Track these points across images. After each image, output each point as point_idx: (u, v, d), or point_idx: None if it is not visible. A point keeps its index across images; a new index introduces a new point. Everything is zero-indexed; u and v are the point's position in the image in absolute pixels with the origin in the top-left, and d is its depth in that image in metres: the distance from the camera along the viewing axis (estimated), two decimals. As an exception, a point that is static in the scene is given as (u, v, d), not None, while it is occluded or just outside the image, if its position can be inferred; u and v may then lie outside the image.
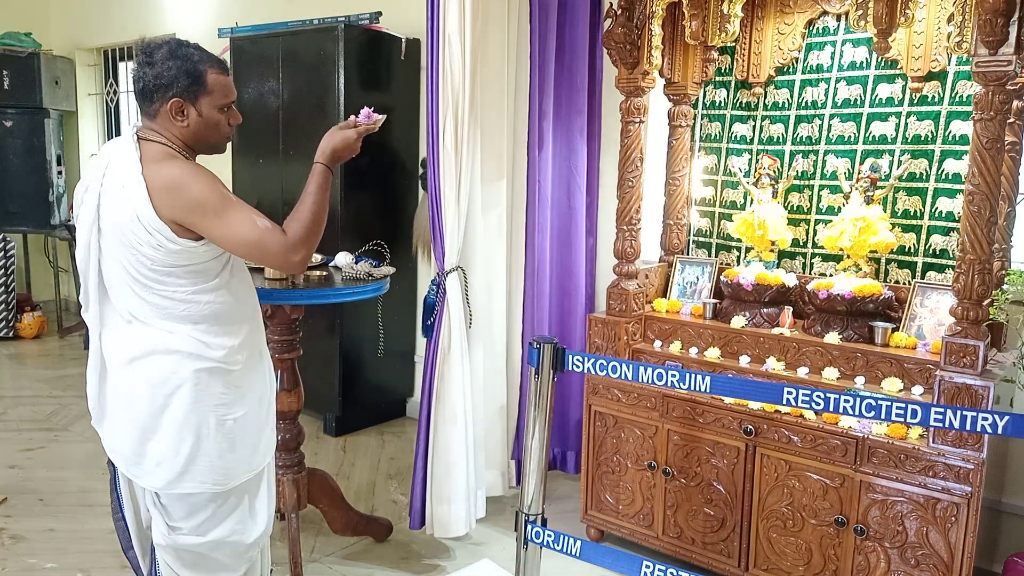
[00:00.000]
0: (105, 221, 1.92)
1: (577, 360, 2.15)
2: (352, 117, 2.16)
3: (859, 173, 2.82)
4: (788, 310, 2.90)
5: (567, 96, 3.51)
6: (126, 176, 1.88)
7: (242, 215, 1.90)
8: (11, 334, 6.12)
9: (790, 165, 3.08)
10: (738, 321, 2.92)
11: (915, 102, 2.84)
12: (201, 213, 1.87)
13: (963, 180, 2.62)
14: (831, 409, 1.85)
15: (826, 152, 3.03)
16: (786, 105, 3.13)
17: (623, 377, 2.10)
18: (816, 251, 3.08)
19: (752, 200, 3.08)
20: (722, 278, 3.06)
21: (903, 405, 1.77)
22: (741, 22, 2.81)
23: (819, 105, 3.04)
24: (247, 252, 1.95)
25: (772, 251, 3.06)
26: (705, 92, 3.33)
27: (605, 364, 2.14)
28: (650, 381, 2.04)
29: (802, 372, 2.73)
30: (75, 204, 2.01)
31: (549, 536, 2.18)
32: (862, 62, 2.94)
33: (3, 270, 6.05)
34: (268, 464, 2.18)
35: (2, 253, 6.04)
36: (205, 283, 1.96)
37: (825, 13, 2.99)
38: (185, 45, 1.96)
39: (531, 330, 3.43)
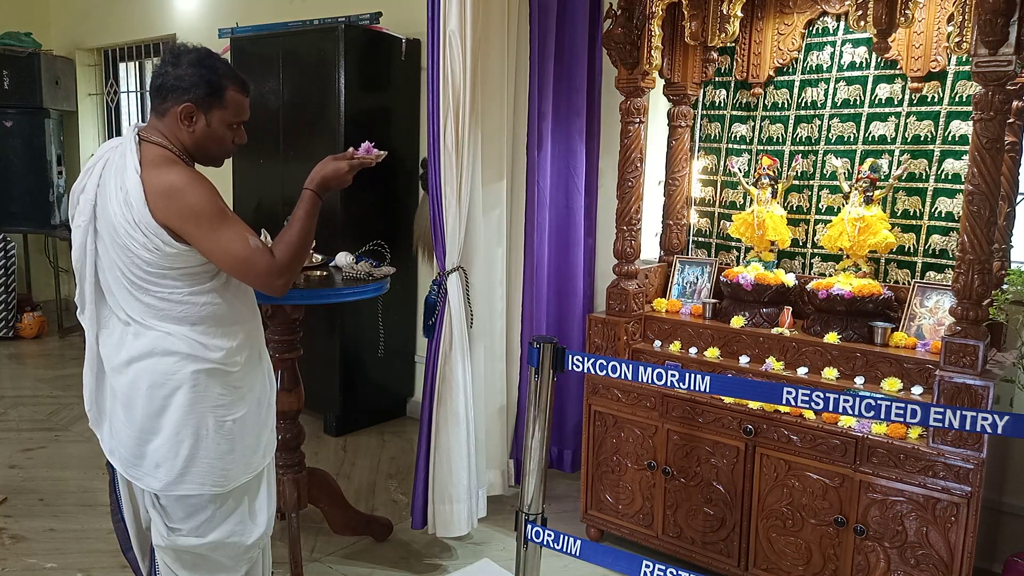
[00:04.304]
0: (101, 222, 1.92)
1: (577, 360, 2.15)
2: (351, 149, 2.17)
3: (859, 173, 2.82)
4: (788, 310, 2.90)
5: (566, 97, 3.51)
6: (124, 178, 1.88)
7: (235, 231, 1.91)
8: (11, 334, 6.12)
9: (790, 165, 3.08)
10: (738, 321, 2.92)
11: (915, 102, 2.84)
12: (195, 222, 1.87)
13: (963, 180, 2.62)
14: (831, 409, 1.86)
15: (826, 152, 3.03)
16: (786, 105, 3.13)
17: (623, 377, 2.10)
18: (816, 251, 3.08)
19: (752, 200, 3.08)
20: (722, 278, 3.06)
21: (903, 405, 1.78)
22: (741, 22, 2.81)
23: (819, 105, 3.05)
24: (233, 268, 1.94)
25: (772, 251, 3.06)
26: (705, 92, 3.33)
27: (605, 364, 2.14)
28: (650, 381, 2.05)
29: (802, 372, 2.73)
30: (71, 205, 2.01)
31: (549, 536, 2.18)
32: (862, 62, 2.95)
33: (3, 270, 6.06)
34: (268, 465, 2.18)
35: (2, 253, 6.04)
36: (201, 284, 1.96)
37: (825, 13, 2.99)
38: (215, 58, 1.98)
39: (530, 330, 3.43)
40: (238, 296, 2.06)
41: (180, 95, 1.93)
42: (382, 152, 2.19)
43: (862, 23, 2.52)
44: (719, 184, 3.33)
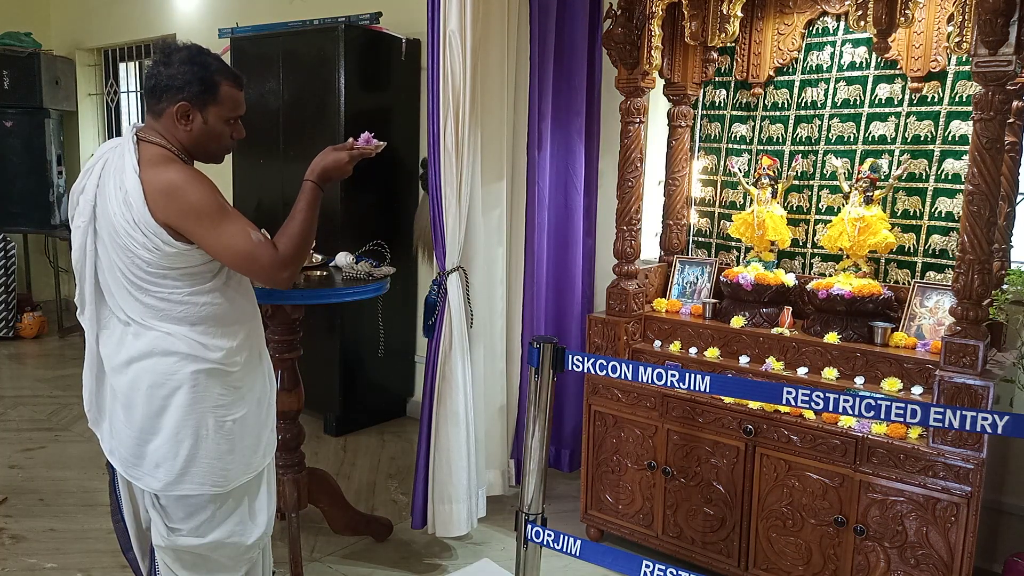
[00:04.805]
0: (101, 223, 1.92)
1: (577, 360, 2.15)
2: (351, 140, 2.16)
3: (859, 173, 2.82)
4: (788, 310, 2.90)
5: (566, 97, 3.51)
6: (123, 178, 1.88)
7: (237, 226, 1.90)
8: (11, 334, 6.12)
9: (790, 165, 3.09)
10: (738, 321, 2.92)
11: (915, 102, 2.84)
12: (196, 220, 1.87)
13: (963, 180, 2.62)
14: (831, 409, 1.86)
15: (826, 152, 3.03)
16: (786, 105, 3.13)
17: (623, 377, 2.10)
18: (816, 251, 3.08)
19: (752, 200, 3.09)
20: (722, 278, 3.06)
21: (903, 405, 1.78)
22: (741, 22, 2.81)
23: (819, 105, 3.05)
24: (237, 263, 1.94)
25: (772, 251, 3.06)
26: (705, 92, 3.33)
27: (605, 364, 2.14)
28: (650, 381, 2.05)
29: (801, 372, 2.73)
30: (70, 205, 2.00)
31: (549, 536, 2.18)
32: (862, 62, 2.95)
33: (3, 270, 6.06)
34: (268, 465, 2.18)
35: (2, 253, 6.04)
36: (201, 284, 1.96)
37: (825, 13, 2.99)
38: (205, 54, 1.97)
39: (529, 330, 3.43)
40: (239, 296, 2.06)
41: (174, 94, 1.93)
42: (382, 143, 2.19)
43: (862, 23, 2.52)
44: (719, 184, 3.33)
